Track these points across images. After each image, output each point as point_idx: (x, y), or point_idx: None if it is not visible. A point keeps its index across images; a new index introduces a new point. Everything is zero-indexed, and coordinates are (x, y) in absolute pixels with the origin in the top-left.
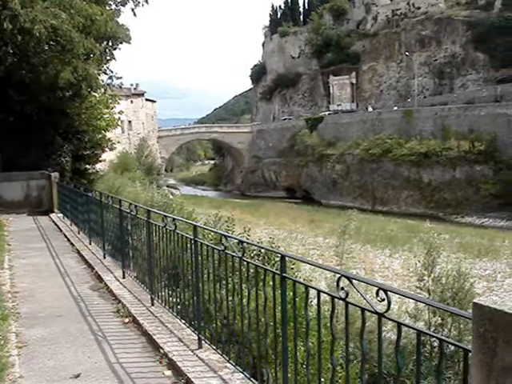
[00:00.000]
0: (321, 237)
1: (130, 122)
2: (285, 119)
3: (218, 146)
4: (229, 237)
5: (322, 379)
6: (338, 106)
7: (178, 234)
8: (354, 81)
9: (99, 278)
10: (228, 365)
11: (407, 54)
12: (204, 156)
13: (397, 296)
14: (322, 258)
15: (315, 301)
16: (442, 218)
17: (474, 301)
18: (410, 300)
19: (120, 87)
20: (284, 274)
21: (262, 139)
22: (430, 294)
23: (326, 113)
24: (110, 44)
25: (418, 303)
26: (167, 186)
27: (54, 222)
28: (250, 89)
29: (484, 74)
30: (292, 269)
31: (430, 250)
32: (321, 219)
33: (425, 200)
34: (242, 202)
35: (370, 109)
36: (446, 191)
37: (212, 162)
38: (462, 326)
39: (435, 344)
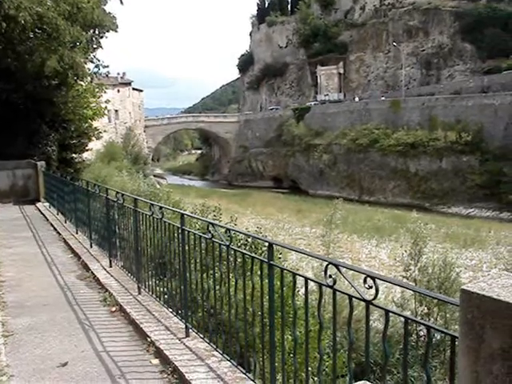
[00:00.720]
0: (308, 227)
1: (116, 111)
2: (272, 109)
3: (204, 135)
4: (216, 225)
5: (310, 368)
6: (325, 96)
7: (165, 222)
8: (341, 71)
9: (86, 267)
10: (215, 353)
11: (395, 44)
12: (191, 146)
13: (383, 286)
14: (308, 247)
15: (303, 290)
16: (428, 209)
17: (462, 287)
18: (397, 290)
19: (107, 76)
20: (271, 262)
21: (249, 129)
22: (416, 284)
23: (313, 103)
24: (97, 32)
25: (405, 293)
26: (154, 176)
27: (40, 211)
28: (238, 78)
29: (471, 65)
30: (279, 258)
31: (417, 239)
32: (308, 209)
33: (411, 190)
34: (228, 192)
35: (357, 99)
36: (432, 181)
37: (199, 151)
38: (448, 315)
39: (421, 333)
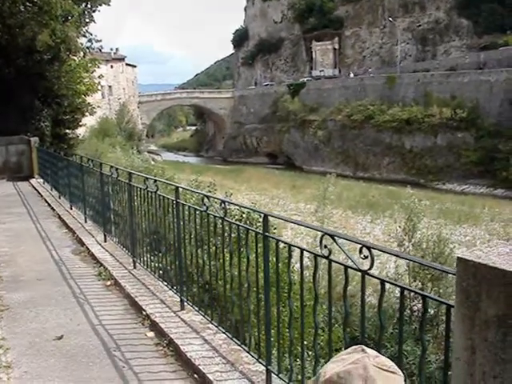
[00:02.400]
0: (302, 202)
1: (110, 87)
2: (266, 85)
3: (199, 111)
4: (210, 197)
5: (305, 342)
6: (320, 71)
7: (159, 196)
8: (336, 46)
9: (80, 242)
10: (210, 326)
11: (390, 19)
12: (185, 122)
13: (377, 261)
14: (303, 221)
15: (298, 265)
16: (423, 185)
17: (458, 255)
18: (391, 265)
19: (100, 51)
20: (266, 234)
21: (244, 105)
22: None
23: (308, 78)
24: (89, 6)
25: (399, 268)
26: (148, 152)
27: (34, 187)
28: (232, 54)
29: (467, 41)
30: (274, 233)
31: (411, 215)
32: (302, 185)
33: (406, 167)
34: (223, 168)
35: (352, 75)
36: (427, 158)
37: (193, 128)
38: (441, 290)
39: (415, 308)
